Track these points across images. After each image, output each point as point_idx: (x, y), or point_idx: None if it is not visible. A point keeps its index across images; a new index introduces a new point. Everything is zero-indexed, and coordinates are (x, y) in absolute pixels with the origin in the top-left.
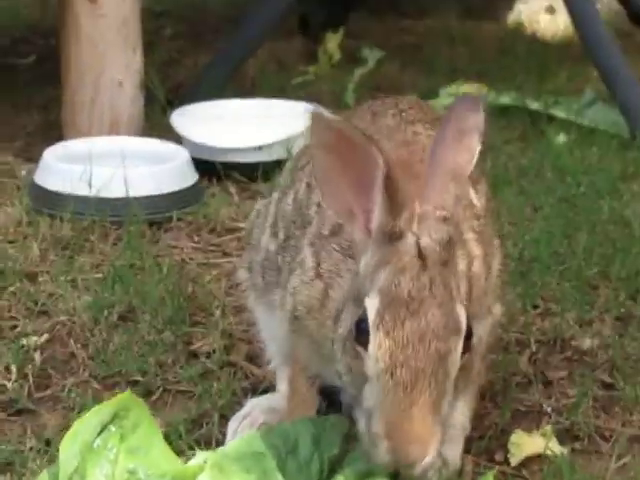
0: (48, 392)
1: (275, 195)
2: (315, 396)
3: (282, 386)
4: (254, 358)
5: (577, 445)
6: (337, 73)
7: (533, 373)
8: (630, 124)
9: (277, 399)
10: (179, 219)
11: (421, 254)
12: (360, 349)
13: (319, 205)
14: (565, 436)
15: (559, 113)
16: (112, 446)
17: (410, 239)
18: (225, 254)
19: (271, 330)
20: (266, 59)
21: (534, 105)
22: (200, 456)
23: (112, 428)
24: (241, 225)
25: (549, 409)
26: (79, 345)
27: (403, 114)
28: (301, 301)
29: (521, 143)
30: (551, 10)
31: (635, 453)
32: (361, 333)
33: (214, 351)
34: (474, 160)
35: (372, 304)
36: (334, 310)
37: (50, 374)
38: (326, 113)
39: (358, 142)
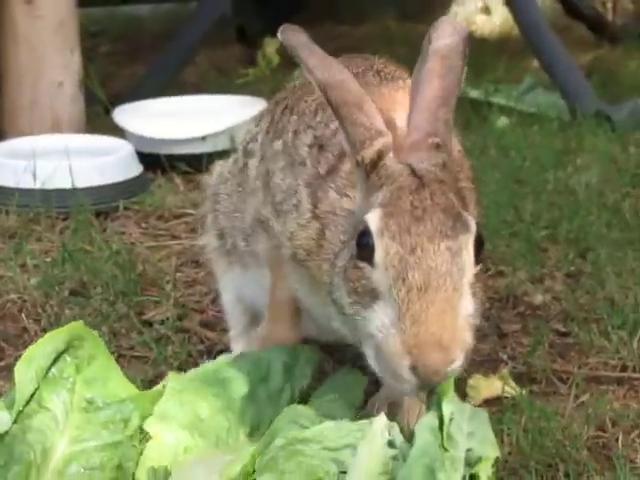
0: (2, 364)
1: (254, 162)
2: (299, 316)
3: (238, 347)
4: (208, 324)
5: (535, 388)
6: (276, 75)
7: (488, 327)
8: (570, 104)
9: None
10: (126, 208)
11: (416, 174)
12: (364, 265)
13: (310, 146)
14: (523, 379)
15: (499, 100)
16: (68, 375)
17: (393, 165)
18: (174, 237)
19: (246, 290)
20: (206, 67)
21: (474, 93)
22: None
23: (67, 358)
24: (189, 211)
25: (505, 357)
26: (31, 320)
27: (382, 73)
28: (300, 245)
29: (464, 130)
30: (487, 11)
31: (593, 392)
32: (363, 248)
33: (167, 319)
34: (461, 82)
35: (373, 217)
36: (331, 252)
37: (3, 347)
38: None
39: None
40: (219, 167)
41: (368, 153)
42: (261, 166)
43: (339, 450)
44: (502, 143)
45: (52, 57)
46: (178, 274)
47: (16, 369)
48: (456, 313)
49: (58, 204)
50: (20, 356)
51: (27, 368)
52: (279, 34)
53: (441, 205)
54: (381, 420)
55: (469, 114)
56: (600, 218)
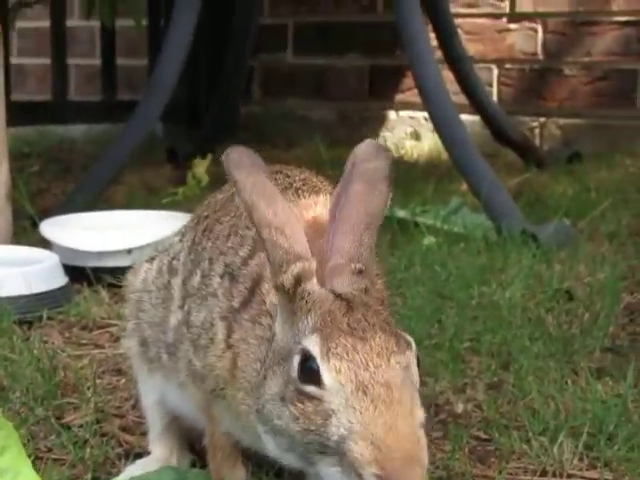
0: None
1: (176, 281)
2: (239, 452)
3: (156, 450)
4: (127, 429)
5: None
6: (206, 194)
7: None
8: (496, 223)
9: (152, 464)
10: (50, 318)
11: (342, 298)
12: (311, 388)
13: (221, 276)
14: None
15: (427, 220)
16: None
17: (317, 290)
18: (97, 346)
19: (167, 397)
20: (136, 187)
21: (401, 213)
22: None
23: None
24: (113, 322)
25: None
26: None
27: (300, 191)
28: (217, 375)
29: (390, 248)
30: (416, 136)
31: None
32: (307, 373)
33: (87, 423)
34: (386, 207)
35: (312, 341)
36: (244, 381)
37: None
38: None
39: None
40: (144, 272)
41: (287, 277)
42: (183, 307)
43: None
44: (428, 260)
45: None
46: (99, 380)
47: None
48: (418, 425)
49: None
50: None
51: None
52: (224, 155)
53: (377, 325)
54: None
55: (396, 233)
56: (523, 331)
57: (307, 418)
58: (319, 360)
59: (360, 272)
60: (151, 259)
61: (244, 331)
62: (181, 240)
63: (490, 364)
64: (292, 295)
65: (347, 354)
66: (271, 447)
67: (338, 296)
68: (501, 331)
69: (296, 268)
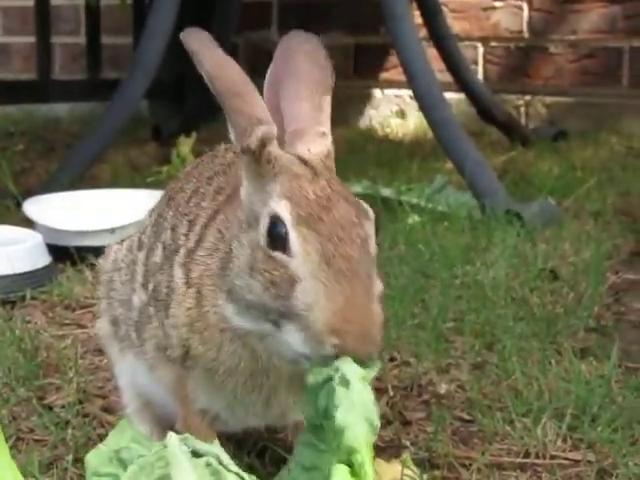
0: None
1: (141, 255)
2: (214, 434)
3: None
4: (109, 409)
5: (436, 473)
6: None
7: (392, 414)
8: (480, 202)
9: None
10: (33, 298)
11: (307, 163)
12: (278, 254)
13: (186, 235)
14: (425, 466)
15: (411, 199)
16: None
17: (282, 154)
18: (80, 326)
19: (138, 378)
20: (120, 164)
21: (386, 192)
22: None
23: None
24: (96, 302)
25: (408, 443)
26: None
27: None
28: (183, 323)
29: None
30: (401, 115)
31: (495, 478)
32: (276, 238)
33: (69, 403)
34: (332, 79)
35: (283, 206)
36: (211, 319)
37: None
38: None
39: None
40: (114, 253)
41: (252, 140)
42: (146, 286)
43: None
44: (411, 239)
45: None
46: (81, 360)
47: None
48: (374, 298)
49: None
50: None
51: None
52: (182, 36)
53: (341, 193)
54: (172, 438)
55: (380, 212)
56: (507, 311)
57: (275, 285)
58: (289, 225)
59: (322, 134)
60: (122, 241)
61: (202, 267)
62: (150, 215)
63: (474, 344)
64: (258, 157)
65: (314, 223)
66: (242, 322)
67: (303, 161)
68: (485, 311)
69: (260, 131)
